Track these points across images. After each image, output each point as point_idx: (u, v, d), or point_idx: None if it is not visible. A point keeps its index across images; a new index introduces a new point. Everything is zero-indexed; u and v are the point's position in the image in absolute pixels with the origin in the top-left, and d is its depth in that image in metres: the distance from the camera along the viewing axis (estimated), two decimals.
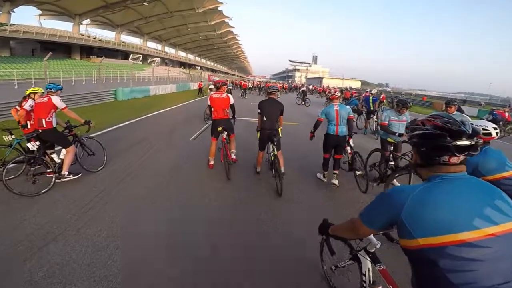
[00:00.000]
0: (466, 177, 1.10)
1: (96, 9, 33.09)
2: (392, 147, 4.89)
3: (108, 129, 8.39)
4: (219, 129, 5.00)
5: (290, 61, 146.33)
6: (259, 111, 4.86)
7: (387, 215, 1.13)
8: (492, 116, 12.35)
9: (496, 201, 1.01)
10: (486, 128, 2.38)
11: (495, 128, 2.39)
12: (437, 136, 1.10)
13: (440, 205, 1.01)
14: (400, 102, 4.90)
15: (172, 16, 41.62)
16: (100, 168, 4.92)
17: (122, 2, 33.03)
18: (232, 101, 5.34)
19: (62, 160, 4.34)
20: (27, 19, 77.85)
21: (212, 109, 5.33)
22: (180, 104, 16.64)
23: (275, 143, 4.50)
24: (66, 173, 4.28)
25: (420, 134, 1.15)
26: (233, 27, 57.45)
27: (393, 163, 4.76)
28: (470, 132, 1.06)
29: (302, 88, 24.68)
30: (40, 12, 32.37)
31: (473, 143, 1.07)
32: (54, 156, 4.49)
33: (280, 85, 39.20)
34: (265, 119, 4.78)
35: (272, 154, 4.55)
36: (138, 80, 30.32)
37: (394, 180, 4.74)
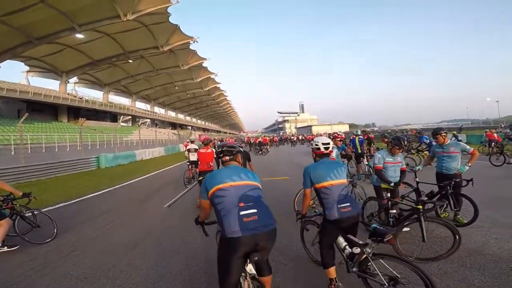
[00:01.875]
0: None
1: (83, 66, 33.33)
2: (388, 193, 4.25)
3: (74, 201, 7.72)
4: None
5: (278, 112, 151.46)
6: None
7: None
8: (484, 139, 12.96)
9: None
10: (317, 144, 3.06)
11: (324, 144, 3.01)
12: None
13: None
14: (394, 141, 4.30)
15: (158, 74, 42.52)
16: (49, 240, 4.58)
17: (108, 59, 33.55)
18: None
19: None
20: (16, 76, 79.92)
21: (198, 162, 6.72)
22: (164, 169, 15.84)
23: None
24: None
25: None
26: (220, 83, 59.00)
27: (394, 211, 4.04)
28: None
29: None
30: (27, 68, 32.25)
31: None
32: None
33: (269, 137, 39.69)
34: None
35: None
36: (125, 144, 29.89)
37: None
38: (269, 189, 7.31)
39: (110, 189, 9.67)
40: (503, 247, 3.56)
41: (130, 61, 35.39)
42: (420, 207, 3.51)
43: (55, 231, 4.76)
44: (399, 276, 2.38)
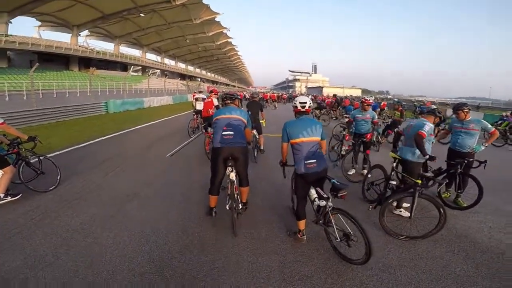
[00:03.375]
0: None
1: (94, 20, 32.86)
2: (394, 163, 4.06)
3: (81, 145, 7.90)
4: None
5: (290, 71, 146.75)
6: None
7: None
8: (502, 121, 12.24)
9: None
10: (295, 103, 3.28)
11: (301, 103, 3.22)
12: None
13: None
14: (431, 111, 4.12)
15: (170, 28, 41.41)
16: (52, 188, 4.58)
17: (119, 13, 32.77)
18: (216, 103, 8.17)
19: None
20: (28, 30, 78.77)
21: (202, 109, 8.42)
22: (171, 117, 16.12)
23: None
24: (2, 195, 3.96)
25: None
26: (232, 38, 57.32)
27: (394, 182, 3.97)
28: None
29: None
30: (39, 23, 32.29)
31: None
32: None
33: (277, 94, 38.96)
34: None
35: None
36: (134, 92, 29.93)
37: (396, 207, 4.04)
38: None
39: (116, 134, 9.93)
40: (494, 237, 3.53)
41: (141, 15, 34.27)
42: (419, 182, 3.41)
43: (59, 177, 4.76)
44: (351, 233, 2.77)
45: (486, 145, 4.34)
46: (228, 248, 3.11)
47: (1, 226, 3.41)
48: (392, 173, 4.02)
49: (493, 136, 4.30)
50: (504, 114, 13.52)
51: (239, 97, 4.17)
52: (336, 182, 2.81)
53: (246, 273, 2.72)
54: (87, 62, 35.56)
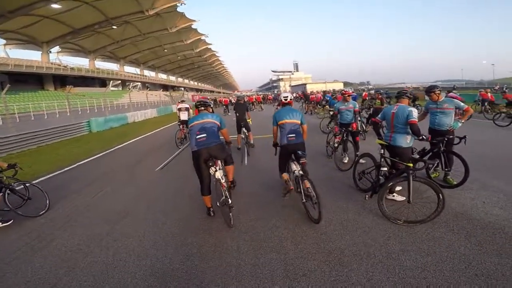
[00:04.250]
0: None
1: (63, 36, 31.93)
2: (382, 150, 4.09)
3: (66, 168, 7.70)
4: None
5: (273, 71, 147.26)
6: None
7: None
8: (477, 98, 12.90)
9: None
10: (280, 98, 4.57)
11: (284, 97, 4.44)
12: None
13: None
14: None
15: (146, 38, 40.86)
16: (42, 212, 4.55)
17: (89, 27, 32.06)
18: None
19: None
20: None
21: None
22: (156, 130, 15.88)
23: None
24: None
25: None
26: (211, 44, 57.19)
27: (385, 168, 4.02)
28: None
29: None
30: (4, 41, 30.95)
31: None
32: None
33: (262, 95, 39.08)
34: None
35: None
36: (116, 107, 29.32)
37: (389, 192, 4.05)
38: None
39: (102, 153, 9.68)
40: (490, 212, 3.57)
41: (114, 27, 33.74)
42: (411, 165, 3.43)
43: (48, 202, 4.74)
44: (314, 196, 3.47)
45: (463, 121, 4.49)
46: (228, 253, 3.09)
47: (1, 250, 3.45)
48: (382, 159, 4.07)
49: (467, 113, 4.44)
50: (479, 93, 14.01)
51: (211, 103, 4.68)
52: (298, 152, 3.87)
53: (249, 275, 2.70)
54: (62, 80, 34.04)
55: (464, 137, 4.26)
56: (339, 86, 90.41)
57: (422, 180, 3.44)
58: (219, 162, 3.91)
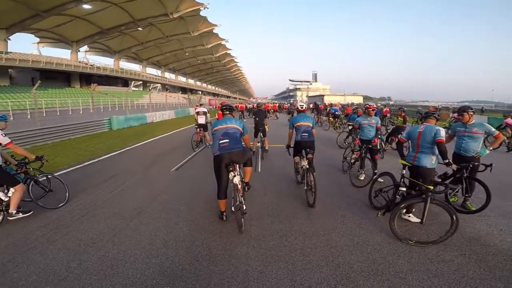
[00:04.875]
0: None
1: (92, 36, 33.28)
2: (404, 170, 3.99)
3: (87, 163, 7.98)
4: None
5: (290, 80, 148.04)
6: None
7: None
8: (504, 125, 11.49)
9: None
10: (297, 107, 6.05)
11: (300, 106, 5.88)
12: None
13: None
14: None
15: (169, 41, 41.96)
16: (61, 205, 4.69)
17: (117, 28, 33.26)
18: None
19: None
20: (27, 47, 79.50)
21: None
22: (173, 131, 16.21)
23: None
24: (14, 211, 4.06)
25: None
26: (230, 49, 57.99)
27: (404, 188, 3.93)
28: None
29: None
30: (38, 39, 32.54)
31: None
32: (0, 194, 4.11)
33: (278, 104, 39.16)
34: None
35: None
36: (136, 107, 30.24)
37: (406, 213, 4.04)
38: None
39: (121, 150, 9.98)
40: (505, 239, 3.52)
41: (139, 29, 34.81)
42: (432, 187, 3.40)
43: (67, 195, 4.89)
44: (314, 186, 4.46)
45: (491, 148, 4.36)
46: (237, 258, 3.13)
47: (15, 241, 3.53)
48: (402, 179, 4.00)
49: (497, 140, 4.26)
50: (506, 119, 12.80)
51: (235, 108, 5.36)
52: (307, 149, 5.02)
53: (255, 282, 2.74)
54: (88, 78, 35.80)
55: (491, 165, 4.11)
56: (358, 100, 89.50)
57: (438, 203, 3.40)
58: (237, 167, 3.94)
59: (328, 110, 20.39)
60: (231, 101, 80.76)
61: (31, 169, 4.73)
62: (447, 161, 3.63)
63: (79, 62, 34.28)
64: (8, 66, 25.05)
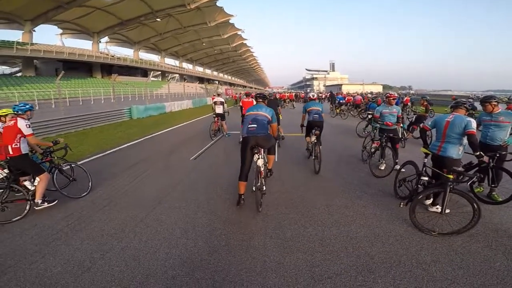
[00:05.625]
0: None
1: (112, 27, 33.81)
2: (426, 159, 3.91)
3: (109, 151, 8.19)
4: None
5: (307, 69, 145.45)
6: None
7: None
8: None
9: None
10: (309, 96, 7.39)
11: (312, 95, 7.34)
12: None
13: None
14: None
15: (186, 32, 42.05)
16: (84, 194, 4.77)
17: (136, 19, 33.63)
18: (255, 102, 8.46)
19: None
20: (51, 38, 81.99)
21: (243, 107, 9.01)
22: (191, 121, 16.39)
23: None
24: (40, 201, 4.13)
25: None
26: (246, 39, 57.39)
27: (426, 178, 3.80)
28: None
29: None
30: (61, 31, 33.40)
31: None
32: (27, 183, 4.23)
33: (294, 93, 38.59)
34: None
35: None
36: (155, 97, 30.71)
37: (432, 204, 3.93)
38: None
39: (141, 139, 10.18)
40: None
41: (158, 19, 34.93)
42: (451, 177, 3.32)
43: (90, 184, 4.96)
44: (319, 157, 5.80)
45: None
46: (255, 249, 3.11)
47: (41, 231, 3.59)
48: (424, 168, 3.88)
49: None
50: None
51: (268, 97, 5.84)
52: (316, 127, 6.27)
53: (273, 273, 2.71)
54: (108, 68, 36.54)
55: None
56: (377, 89, 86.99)
57: (458, 192, 3.28)
58: (262, 151, 4.21)
59: (330, 98, 22.47)
60: (247, 90, 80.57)
61: (56, 158, 4.82)
62: (478, 153, 3.50)
63: (100, 53, 35.01)
64: (33, 57, 25.86)
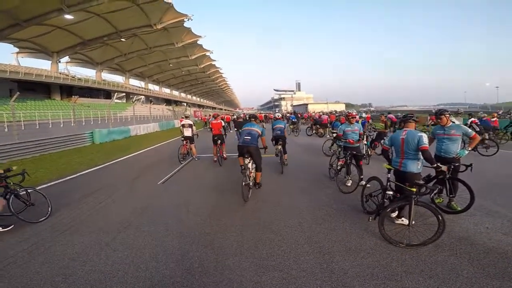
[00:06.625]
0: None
1: (73, 46, 32.51)
2: (389, 174, 4.07)
3: (69, 177, 7.72)
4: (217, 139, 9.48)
5: (275, 90, 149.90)
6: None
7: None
8: (480, 123, 11.71)
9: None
10: (277, 115, 11.34)
11: (276, 115, 11.61)
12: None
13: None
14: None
15: (152, 52, 41.52)
16: (43, 218, 4.58)
17: (99, 39, 32.70)
18: (223, 123, 10.47)
19: None
20: (5, 57, 76.53)
21: (212, 129, 9.88)
22: (158, 144, 15.90)
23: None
24: None
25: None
26: (215, 60, 58.02)
27: (391, 192, 3.97)
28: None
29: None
30: (17, 49, 31.48)
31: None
32: None
33: (264, 114, 39.40)
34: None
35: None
36: (119, 120, 29.60)
37: (397, 217, 4.13)
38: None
39: (104, 165, 9.69)
40: (493, 238, 3.58)
41: (122, 39, 34.30)
42: (414, 190, 3.49)
43: (50, 209, 4.75)
44: (284, 160, 8.22)
45: (470, 149, 4.53)
46: (231, 269, 3.06)
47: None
48: (388, 183, 4.07)
49: (474, 140, 4.46)
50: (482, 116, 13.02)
51: (258, 117, 7.10)
52: (279, 139, 8.32)
53: None
54: (69, 90, 34.65)
55: (471, 165, 4.25)
56: (341, 107, 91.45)
57: (423, 204, 3.48)
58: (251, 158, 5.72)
59: (288, 118, 24.59)
60: (216, 112, 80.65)
61: (12, 183, 4.57)
62: (435, 165, 3.79)
63: (60, 74, 33.27)
64: None
